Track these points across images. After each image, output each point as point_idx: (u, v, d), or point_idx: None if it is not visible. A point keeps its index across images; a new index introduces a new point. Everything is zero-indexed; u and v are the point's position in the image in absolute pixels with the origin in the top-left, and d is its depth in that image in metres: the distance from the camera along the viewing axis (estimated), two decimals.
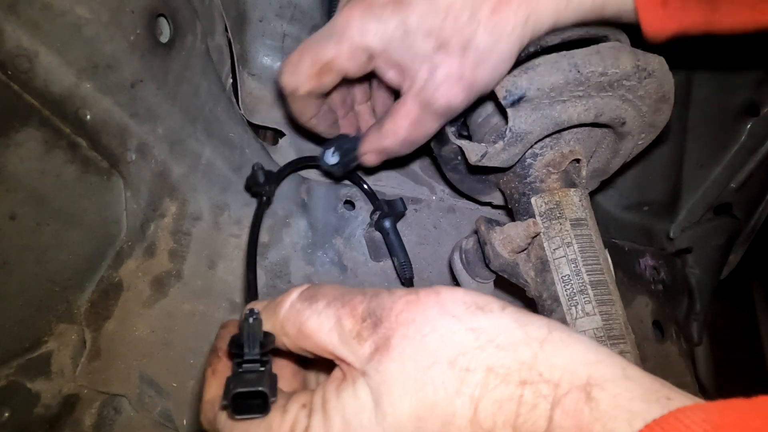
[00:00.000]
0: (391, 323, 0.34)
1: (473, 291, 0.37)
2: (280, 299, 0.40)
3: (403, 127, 0.57)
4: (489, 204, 0.78)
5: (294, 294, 0.40)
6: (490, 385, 0.32)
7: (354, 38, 0.53)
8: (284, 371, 0.44)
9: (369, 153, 0.62)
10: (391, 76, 0.56)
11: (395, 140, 0.59)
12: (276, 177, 0.69)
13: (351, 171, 0.70)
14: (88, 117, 0.58)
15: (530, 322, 0.34)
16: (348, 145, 0.65)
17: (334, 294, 0.38)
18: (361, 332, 0.35)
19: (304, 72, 0.56)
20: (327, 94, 0.62)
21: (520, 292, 0.64)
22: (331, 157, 0.66)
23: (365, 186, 0.75)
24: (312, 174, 0.78)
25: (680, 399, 0.29)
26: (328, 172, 0.71)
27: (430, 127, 0.57)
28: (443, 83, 0.53)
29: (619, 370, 0.31)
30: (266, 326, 0.39)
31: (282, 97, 0.62)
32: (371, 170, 0.80)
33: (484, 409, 0.31)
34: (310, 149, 0.80)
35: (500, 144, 0.59)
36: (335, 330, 0.36)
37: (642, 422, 0.28)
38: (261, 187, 0.65)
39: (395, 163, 0.75)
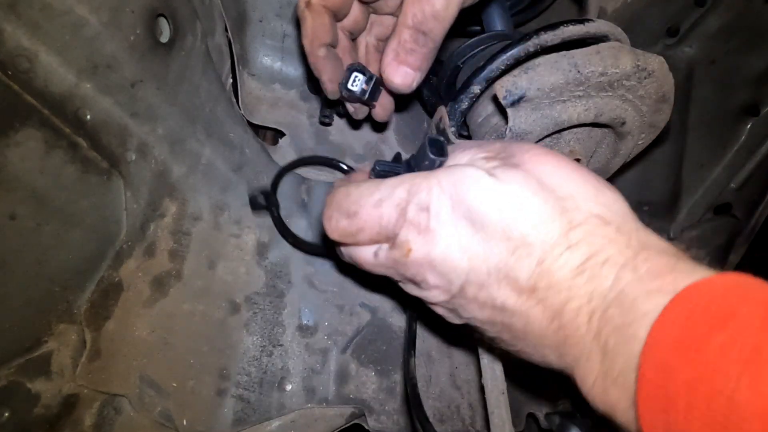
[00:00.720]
0: (523, 157, 0.41)
1: (617, 193, 0.41)
2: None
3: (407, 15, 0.52)
4: None
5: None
6: (590, 223, 0.37)
7: None
8: None
9: (403, 69, 0.56)
10: None
11: (426, 18, 0.53)
12: (273, 188, 0.71)
13: (375, 98, 0.65)
14: (88, 117, 0.58)
15: (635, 216, 0.39)
16: (366, 70, 0.62)
17: (472, 144, 0.47)
18: (495, 158, 0.42)
19: None
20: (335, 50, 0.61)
21: None
22: (354, 85, 0.62)
23: (343, 166, 0.76)
24: (312, 174, 0.78)
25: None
26: (347, 115, 0.68)
27: (436, 1, 0.51)
28: None
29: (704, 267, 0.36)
30: None
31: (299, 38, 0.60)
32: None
33: (576, 233, 0.37)
34: (310, 149, 0.80)
35: None
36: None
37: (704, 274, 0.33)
38: (266, 206, 0.69)
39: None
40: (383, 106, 0.67)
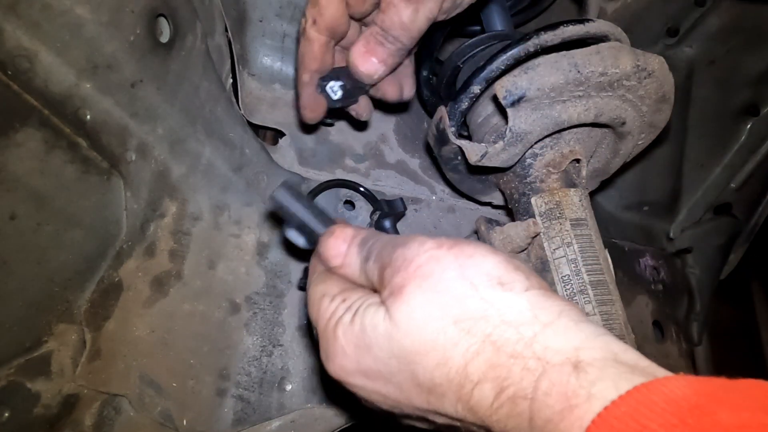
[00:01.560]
0: (409, 274, 0.38)
1: (506, 264, 0.38)
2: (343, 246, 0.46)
3: (378, 16, 0.56)
4: (489, 204, 0.78)
5: (355, 246, 0.45)
6: (485, 350, 0.34)
7: None
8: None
9: (370, 59, 0.59)
10: None
11: (393, 25, 0.55)
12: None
13: (355, 99, 0.66)
14: (88, 117, 0.58)
15: (545, 307, 0.36)
16: (346, 72, 0.62)
17: (379, 247, 0.43)
18: (382, 278, 0.40)
19: (307, 5, 0.58)
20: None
21: None
22: (334, 91, 0.64)
23: (362, 189, 0.75)
24: (312, 174, 0.78)
25: (666, 375, 0.31)
26: (332, 111, 0.68)
27: (401, 12, 0.54)
28: None
29: (610, 354, 0.32)
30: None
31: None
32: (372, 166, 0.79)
33: (475, 365, 0.34)
34: (310, 149, 0.80)
35: (500, 144, 0.59)
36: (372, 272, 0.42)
37: (629, 386, 0.29)
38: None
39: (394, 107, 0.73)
40: (363, 109, 0.68)
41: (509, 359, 0.34)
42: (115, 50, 0.56)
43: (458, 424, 0.37)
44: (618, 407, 0.28)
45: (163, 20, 0.62)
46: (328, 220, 0.49)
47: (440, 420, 0.39)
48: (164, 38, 0.62)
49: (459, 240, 0.40)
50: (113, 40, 0.55)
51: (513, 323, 0.35)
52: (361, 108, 0.69)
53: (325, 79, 0.63)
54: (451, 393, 0.36)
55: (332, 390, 0.69)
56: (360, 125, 0.81)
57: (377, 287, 0.42)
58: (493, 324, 0.35)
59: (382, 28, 0.56)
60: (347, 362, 0.40)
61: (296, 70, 0.64)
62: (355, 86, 0.63)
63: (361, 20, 0.61)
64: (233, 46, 0.75)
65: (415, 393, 0.38)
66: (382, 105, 0.72)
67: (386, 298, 0.39)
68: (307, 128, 0.75)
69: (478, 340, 0.35)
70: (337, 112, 0.72)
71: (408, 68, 0.67)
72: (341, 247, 0.45)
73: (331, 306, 0.43)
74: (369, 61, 0.58)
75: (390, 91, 0.67)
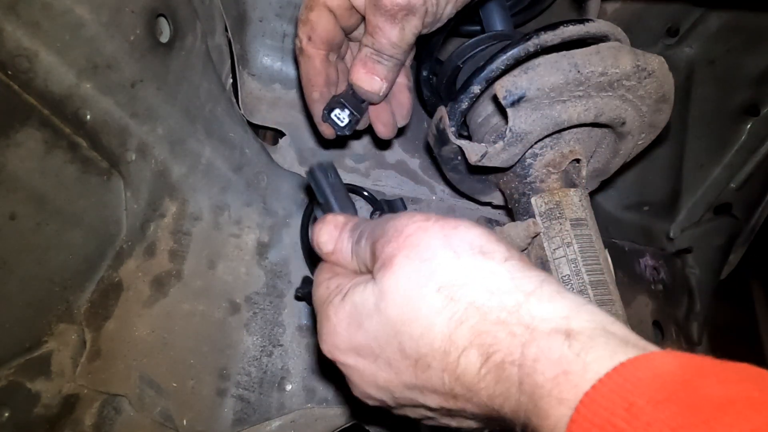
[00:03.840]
0: (398, 243, 0.39)
1: (488, 235, 0.39)
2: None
3: (368, 39, 0.57)
4: (489, 204, 0.78)
5: (346, 231, 0.47)
6: (469, 317, 0.35)
7: None
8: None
9: (373, 77, 0.60)
10: None
11: (384, 46, 0.57)
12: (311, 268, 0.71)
13: (358, 118, 0.66)
14: (88, 117, 0.58)
15: (524, 276, 0.36)
16: (346, 97, 0.63)
17: (371, 227, 0.44)
18: (374, 253, 0.41)
19: (298, 24, 0.59)
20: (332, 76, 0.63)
21: None
22: (341, 119, 0.64)
23: (365, 193, 0.75)
24: None
25: (654, 349, 0.31)
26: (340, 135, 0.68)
27: (389, 33, 0.56)
28: None
29: (599, 325, 0.32)
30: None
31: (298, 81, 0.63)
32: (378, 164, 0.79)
33: (460, 332, 0.35)
34: (310, 149, 0.80)
35: (500, 144, 0.59)
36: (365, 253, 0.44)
37: (623, 357, 0.29)
38: (309, 288, 0.69)
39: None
40: (384, 124, 0.67)
41: (494, 326, 0.34)
42: (115, 50, 0.56)
43: (449, 404, 0.38)
44: (606, 383, 0.29)
45: (163, 20, 0.62)
46: (346, 207, 0.50)
47: (431, 400, 0.39)
48: (164, 38, 0.62)
49: (447, 216, 0.41)
50: (113, 40, 0.55)
51: (495, 291, 0.35)
52: (386, 125, 0.68)
53: (329, 108, 0.63)
54: (436, 363, 0.36)
55: (331, 374, 0.69)
56: (385, 144, 0.81)
57: (369, 267, 0.42)
58: (476, 291, 0.35)
59: (374, 49, 0.58)
60: (339, 340, 0.41)
61: (302, 91, 0.64)
62: (358, 108, 0.63)
63: (348, 35, 0.62)
64: (233, 46, 0.75)
65: (404, 366, 0.38)
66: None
67: (377, 271, 0.40)
68: (328, 142, 0.75)
69: (462, 307, 0.35)
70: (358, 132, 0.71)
71: (403, 88, 0.67)
72: (333, 233, 0.47)
73: (325, 291, 0.44)
74: (372, 79, 0.60)
75: (384, 118, 0.67)
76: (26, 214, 0.58)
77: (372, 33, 0.57)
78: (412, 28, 0.56)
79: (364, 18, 0.58)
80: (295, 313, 0.72)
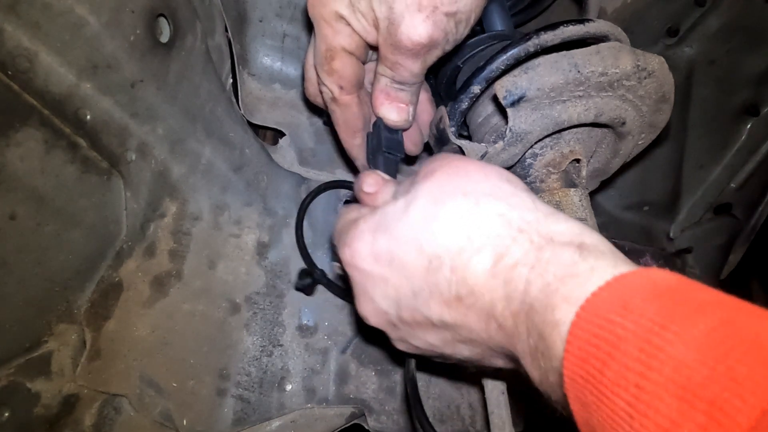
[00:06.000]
0: (442, 162, 0.43)
1: (515, 179, 0.43)
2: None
3: (386, 71, 0.56)
4: None
5: (391, 184, 0.51)
6: (492, 223, 0.38)
7: (324, 14, 0.54)
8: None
9: (398, 106, 0.60)
10: (369, 31, 0.54)
11: (405, 78, 0.57)
12: (305, 258, 0.72)
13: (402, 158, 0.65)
14: (88, 117, 0.58)
15: (542, 203, 0.40)
16: (379, 136, 0.61)
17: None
18: (417, 175, 0.45)
19: (322, 74, 0.57)
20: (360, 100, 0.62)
21: None
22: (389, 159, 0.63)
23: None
24: (312, 174, 0.78)
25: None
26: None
27: (411, 67, 0.55)
28: (402, 18, 0.50)
29: (610, 248, 0.36)
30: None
31: (332, 131, 0.63)
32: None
33: (479, 233, 0.38)
34: (310, 149, 0.80)
35: (500, 144, 0.59)
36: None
37: (626, 269, 0.32)
38: (313, 280, 0.69)
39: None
40: (414, 142, 0.67)
41: (514, 232, 0.37)
42: (115, 50, 0.56)
43: (450, 313, 0.39)
44: (606, 288, 0.31)
45: (163, 20, 0.62)
46: (391, 169, 0.58)
47: (434, 309, 0.40)
48: (164, 38, 0.62)
49: None
50: (113, 40, 0.55)
51: (516, 206, 0.38)
52: (414, 144, 0.67)
53: (374, 162, 0.62)
54: (448, 262, 0.38)
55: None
56: (412, 160, 0.80)
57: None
58: (500, 202, 0.39)
59: (395, 81, 0.57)
60: (362, 245, 0.44)
61: (338, 135, 0.63)
62: (398, 148, 0.62)
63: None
64: (233, 46, 0.75)
65: (417, 267, 0.40)
66: None
67: (414, 184, 0.43)
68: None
69: (485, 212, 0.38)
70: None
71: (426, 103, 0.67)
72: (379, 181, 0.50)
73: (356, 213, 0.48)
74: (399, 108, 0.60)
75: (413, 138, 0.67)
76: (26, 214, 0.57)
77: (392, 68, 0.55)
78: (433, 58, 0.55)
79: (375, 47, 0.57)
80: (295, 313, 0.72)
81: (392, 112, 0.59)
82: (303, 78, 0.63)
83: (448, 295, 0.38)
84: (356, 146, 0.63)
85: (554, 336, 0.32)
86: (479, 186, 0.40)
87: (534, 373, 0.35)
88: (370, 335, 0.73)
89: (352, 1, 0.52)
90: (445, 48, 0.55)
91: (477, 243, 0.37)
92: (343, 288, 0.71)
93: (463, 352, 0.43)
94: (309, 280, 0.69)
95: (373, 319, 0.46)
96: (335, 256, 0.62)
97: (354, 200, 0.54)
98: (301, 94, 0.79)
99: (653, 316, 0.28)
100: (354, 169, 0.68)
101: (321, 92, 0.60)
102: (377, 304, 0.44)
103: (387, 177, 0.51)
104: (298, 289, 0.72)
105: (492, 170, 0.42)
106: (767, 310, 0.28)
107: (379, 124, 0.61)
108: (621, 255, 0.35)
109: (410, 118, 0.61)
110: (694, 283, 0.31)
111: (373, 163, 0.61)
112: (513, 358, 0.39)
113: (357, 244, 0.44)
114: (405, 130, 0.63)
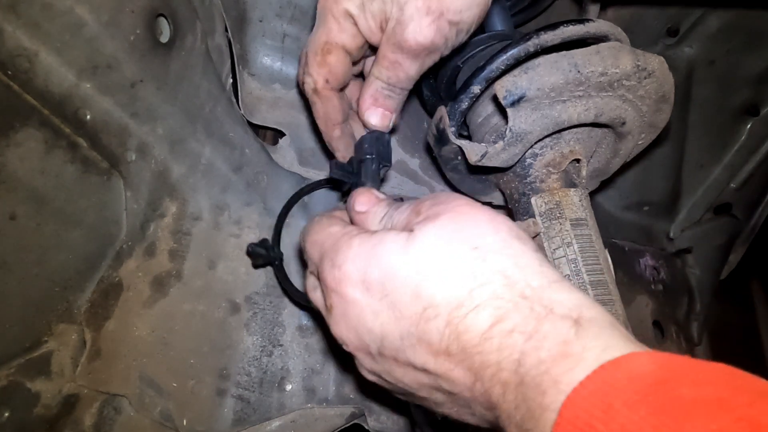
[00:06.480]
0: (448, 206, 0.42)
1: (523, 229, 0.42)
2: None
3: (382, 72, 0.57)
4: (489, 204, 0.78)
5: (385, 203, 0.49)
6: (494, 281, 0.37)
7: (334, 10, 0.55)
8: None
9: (381, 112, 0.61)
10: (374, 32, 0.55)
11: (400, 81, 0.58)
12: (276, 236, 0.69)
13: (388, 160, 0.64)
14: (88, 117, 0.58)
15: (550, 268, 0.39)
16: (366, 143, 0.61)
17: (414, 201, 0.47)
18: (419, 209, 0.43)
19: (312, 63, 0.58)
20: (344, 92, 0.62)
21: None
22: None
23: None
24: (312, 174, 0.78)
25: (640, 350, 0.33)
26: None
27: (408, 68, 0.56)
28: (411, 19, 0.52)
29: (608, 322, 0.35)
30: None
31: (311, 111, 0.63)
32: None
33: (481, 291, 0.36)
34: (310, 149, 0.80)
35: (500, 144, 0.59)
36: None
37: (618, 353, 0.31)
38: (267, 257, 0.66)
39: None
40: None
41: (517, 297, 0.36)
42: (115, 50, 0.56)
43: (436, 365, 0.38)
44: (586, 385, 0.30)
45: (163, 20, 0.62)
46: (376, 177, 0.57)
47: (419, 356, 0.39)
48: (164, 38, 0.62)
49: None
50: (113, 40, 0.55)
51: (524, 268, 0.37)
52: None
53: (360, 162, 0.61)
54: (444, 314, 0.37)
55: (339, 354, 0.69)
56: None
57: (405, 226, 0.44)
58: (508, 263, 0.37)
59: (387, 83, 0.58)
60: (354, 269, 0.42)
61: (318, 125, 0.64)
62: (386, 156, 0.62)
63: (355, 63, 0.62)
64: (233, 46, 0.75)
65: (409, 311, 0.38)
66: None
67: (418, 223, 0.41)
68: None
69: (491, 270, 0.37)
70: None
71: None
72: (372, 199, 0.49)
73: (340, 229, 0.46)
74: (384, 114, 0.61)
75: None
76: (26, 214, 0.57)
77: (388, 67, 0.56)
78: (430, 62, 0.57)
79: (370, 47, 0.58)
80: (295, 313, 0.72)
81: (375, 117, 0.61)
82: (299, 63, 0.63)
83: (437, 346, 0.37)
84: (335, 138, 0.64)
85: (544, 419, 0.31)
86: (487, 240, 0.39)
87: None
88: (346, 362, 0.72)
89: (364, 1, 0.54)
90: (443, 52, 0.56)
91: (478, 300, 0.36)
92: (299, 293, 0.66)
93: (437, 399, 0.41)
94: (263, 252, 0.66)
95: (351, 346, 0.44)
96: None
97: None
98: (297, 79, 0.78)
99: (637, 428, 0.27)
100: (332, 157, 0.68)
101: (303, 82, 0.60)
102: (359, 333, 0.42)
103: (381, 196, 0.50)
104: (248, 252, 0.68)
105: (502, 224, 0.41)
106: (762, 400, 0.26)
107: (372, 133, 0.62)
108: (618, 330, 0.34)
109: (390, 125, 0.62)
110: (678, 372, 0.29)
111: (357, 168, 0.62)
112: (490, 421, 0.38)
113: (348, 267, 0.42)
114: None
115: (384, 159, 0.60)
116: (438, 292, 0.37)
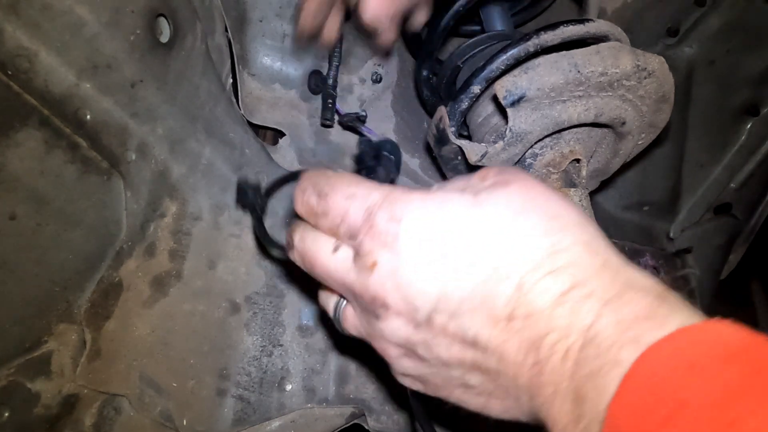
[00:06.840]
0: (517, 177, 0.40)
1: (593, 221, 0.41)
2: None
3: None
4: None
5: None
6: (574, 250, 0.35)
7: None
8: None
9: (374, 15, 0.58)
10: None
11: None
12: (267, 190, 0.67)
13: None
14: (88, 117, 0.58)
15: (615, 251, 0.37)
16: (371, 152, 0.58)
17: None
18: (485, 175, 0.41)
19: None
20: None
21: None
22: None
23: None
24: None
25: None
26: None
27: None
28: None
29: (686, 302, 0.33)
30: None
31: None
32: None
33: (560, 258, 0.34)
34: (310, 149, 0.80)
35: (500, 144, 0.59)
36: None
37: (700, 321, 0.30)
38: (251, 201, 0.64)
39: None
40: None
41: (599, 265, 0.34)
42: (115, 50, 0.56)
43: (488, 332, 0.35)
44: (669, 342, 0.29)
45: (163, 20, 0.62)
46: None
47: (468, 321, 0.36)
48: (164, 38, 0.62)
49: None
50: (113, 40, 0.55)
51: (603, 245, 0.36)
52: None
53: (367, 170, 0.58)
54: (515, 276, 0.35)
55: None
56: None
57: (470, 188, 0.41)
58: (588, 236, 0.36)
59: None
60: (416, 224, 0.38)
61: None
62: (391, 167, 0.58)
63: None
64: (233, 46, 0.75)
65: (478, 268, 0.36)
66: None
67: (485, 187, 0.39)
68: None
69: (571, 240, 0.35)
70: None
71: None
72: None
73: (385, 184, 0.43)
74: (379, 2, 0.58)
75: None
76: (26, 214, 0.58)
77: None
78: None
79: None
80: (295, 313, 0.72)
81: (372, 2, 0.58)
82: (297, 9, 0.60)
83: (500, 311, 0.35)
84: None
85: (608, 378, 0.29)
86: (564, 213, 0.37)
87: (560, 422, 0.32)
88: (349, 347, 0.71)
89: None
90: None
91: (558, 264, 0.34)
92: (273, 241, 0.60)
93: (470, 381, 0.38)
94: (250, 193, 0.64)
95: (392, 309, 0.38)
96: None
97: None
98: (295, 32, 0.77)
99: (728, 382, 0.26)
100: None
101: None
102: (409, 295, 0.37)
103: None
104: (238, 185, 0.66)
105: (574, 205, 0.39)
106: None
107: (369, 144, 0.59)
108: (700, 311, 0.32)
109: (384, 17, 0.58)
110: (765, 340, 0.28)
111: (376, 160, 0.58)
112: (520, 406, 0.36)
113: (409, 221, 0.38)
114: (373, 32, 0.61)
115: (397, 168, 0.59)
116: (511, 253, 0.35)
